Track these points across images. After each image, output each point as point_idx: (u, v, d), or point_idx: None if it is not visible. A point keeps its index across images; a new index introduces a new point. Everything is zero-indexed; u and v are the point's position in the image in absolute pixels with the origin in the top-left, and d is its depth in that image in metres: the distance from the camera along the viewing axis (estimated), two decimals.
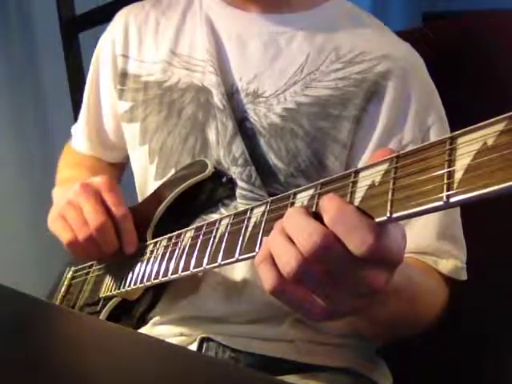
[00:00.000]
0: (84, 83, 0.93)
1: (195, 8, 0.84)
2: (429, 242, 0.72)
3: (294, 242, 0.43)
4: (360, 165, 0.74)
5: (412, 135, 0.74)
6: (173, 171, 0.79)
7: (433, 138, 0.75)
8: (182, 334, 0.77)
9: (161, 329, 0.79)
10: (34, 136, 1.84)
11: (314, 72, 0.75)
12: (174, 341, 0.76)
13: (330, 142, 0.74)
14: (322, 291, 0.44)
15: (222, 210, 0.76)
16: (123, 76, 0.86)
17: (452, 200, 0.36)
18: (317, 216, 0.43)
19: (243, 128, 0.75)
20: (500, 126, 0.35)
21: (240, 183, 0.74)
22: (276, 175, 0.74)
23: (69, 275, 0.89)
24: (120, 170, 1.00)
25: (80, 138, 0.98)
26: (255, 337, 0.75)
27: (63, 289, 0.88)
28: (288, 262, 0.43)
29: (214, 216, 0.75)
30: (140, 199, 0.86)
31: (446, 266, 0.71)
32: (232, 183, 0.74)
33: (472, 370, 0.89)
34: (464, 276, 0.73)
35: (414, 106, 0.74)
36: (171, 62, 0.82)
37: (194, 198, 0.76)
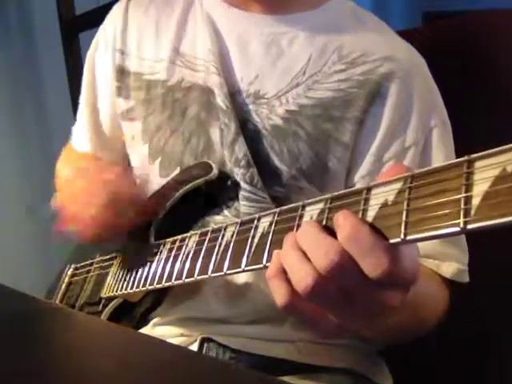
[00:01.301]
0: None
1: (196, 7, 0.84)
2: (432, 246, 0.71)
3: (308, 258, 0.42)
4: (363, 166, 0.74)
5: (415, 137, 0.73)
6: (176, 171, 0.78)
7: (435, 139, 0.74)
8: (182, 335, 0.77)
9: (161, 329, 0.79)
10: (34, 136, 1.84)
11: (317, 74, 0.75)
12: (174, 341, 0.76)
13: (333, 143, 0.74)
14: (336, 309, 0.44)
15: (226, 211, 0.75)
16: (121, 72, 0.84)
17: (469, 227, 0.35)
18: (330, 231, 0.43)
19: (246, 129, 0.75)
20: None
21: (243, 185, 0.74)
22: (278, 177, 0.74)
23: (69, 272, 0.89)
24: None
25: (80, 136, 0.95)
26: (256, 337, 0.75)
27: (63, 286, 0.88)
28: (304, 278, 0.42)
29: (217, 218, 0.75)
30: None
31: (448, 269, 0.71)
32: (236, 186, 0.74)
33: (473, 371, 0.89)
34: (466, 278, 0.73)
35: (417, 108, 0.74)
36: (174, 60, 0.81)
37: (198, 199, 0.76)
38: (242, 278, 0.74)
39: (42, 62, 1.83)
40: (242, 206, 0.73)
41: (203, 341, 0.75)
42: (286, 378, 0.71)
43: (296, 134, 0.74)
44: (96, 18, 0.92)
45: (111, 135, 0.91)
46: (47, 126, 1.86)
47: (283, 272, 0.44)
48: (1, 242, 1.68)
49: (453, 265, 0.72)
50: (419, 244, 0.70)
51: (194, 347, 0.75)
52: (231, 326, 0.75)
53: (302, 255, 0.43)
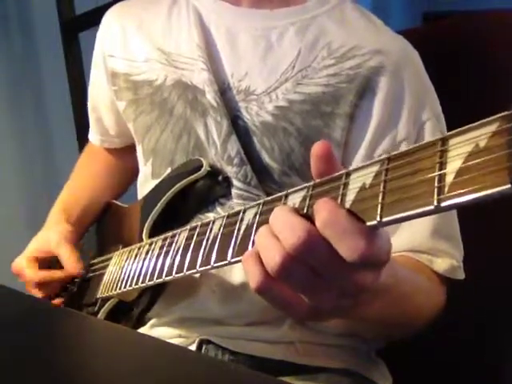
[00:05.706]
0: (84, 83, 0.93)
1: (181, 2, 0.83)
2: (424, 241, 0.71)
3: (279, 239, 0.43)
4: (354, 163, 0.73)
5: (406, 131, 0.72)
6: (168, 170, 0.78)
7: (428, 134, 0.73)
8: (180, 336, 0.77)
9: (159, 330, 0.79)
10: (33, 136, 1.84)
11: (306, 69, 0.74)
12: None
13: (324, 140, 0.73)
14: (308, 290, 0.44)
15: (219, 209, 0.75)
16: (114, 76, 0.85)
17: (443, 204, 0.34)
18: (308, 218, 0.42)
19: (236, 126, 0.74)
20: (492, 127, 0.33)
21: (236, 183, 0.73)
22: (270, 174, 0.73)
23: None
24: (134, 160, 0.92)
25: (91, 130, 0.98)
26: (254, 339, 0.74)
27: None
28: (272, 257, 0.42)
29: (211, 215, 0.74)
30: (139, 198, 0.86)
31: (441, 265, 0.71)
32: (228, 182, 0.73)
33: (472, 371, 0.89)
34: (461, 275, 0.72)
35: (408, 102, 0.73)
36: (159, 60, 0.80)
37: (190, 197, 0.75)
38: (238, 278, 0.74)
39: (42, 61, 1.83)
40: (236, 204, 0.72)
41: (201, 342, 0.75)
42: (284, 379, 0.71)
43: (286, 131, 0.73)
44: (96, 18, 0.92)
45: (117, 130, 0.93)
46: (47, 126, 1.86)
47: (257, 254, 0.44)
48: (1, 242, 1.68)
49: (446, 260, 0.71)
50: (412, 240, 0.70)
51: (192, 349, 0.74)
52: (229, 328, 0.75)
53: (272, 235, 0.43)
